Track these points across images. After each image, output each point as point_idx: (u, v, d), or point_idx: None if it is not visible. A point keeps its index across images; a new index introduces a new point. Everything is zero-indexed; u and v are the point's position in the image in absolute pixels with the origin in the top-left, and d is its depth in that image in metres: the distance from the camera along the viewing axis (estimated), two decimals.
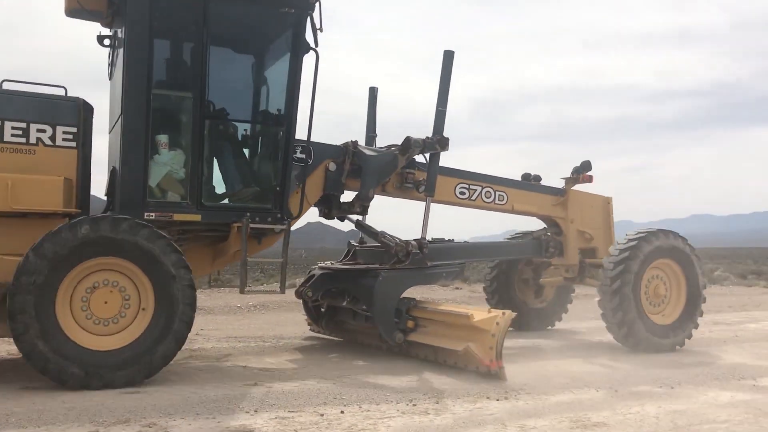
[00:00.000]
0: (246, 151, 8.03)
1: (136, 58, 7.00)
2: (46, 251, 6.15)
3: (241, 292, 7.58)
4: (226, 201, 7.72)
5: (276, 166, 7.75)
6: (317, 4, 7.36)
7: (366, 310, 8.14)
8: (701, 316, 9.33)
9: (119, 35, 7.51)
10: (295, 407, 5.62)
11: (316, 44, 7.46)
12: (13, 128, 6.66)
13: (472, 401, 5.94)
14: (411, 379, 6.90)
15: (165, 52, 7.49)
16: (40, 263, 6.11)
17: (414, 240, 8.50)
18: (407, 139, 8.48)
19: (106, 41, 7.97)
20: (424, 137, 8.50)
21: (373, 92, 9.87)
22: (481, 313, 7.25)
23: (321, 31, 7.41)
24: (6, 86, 6.87)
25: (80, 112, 6.95)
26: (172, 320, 6.51)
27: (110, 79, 8.13)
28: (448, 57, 8.51)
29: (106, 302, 6.44)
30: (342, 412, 5.49)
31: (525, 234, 10.48)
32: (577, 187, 10.00)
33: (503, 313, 7.08)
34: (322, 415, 5.37)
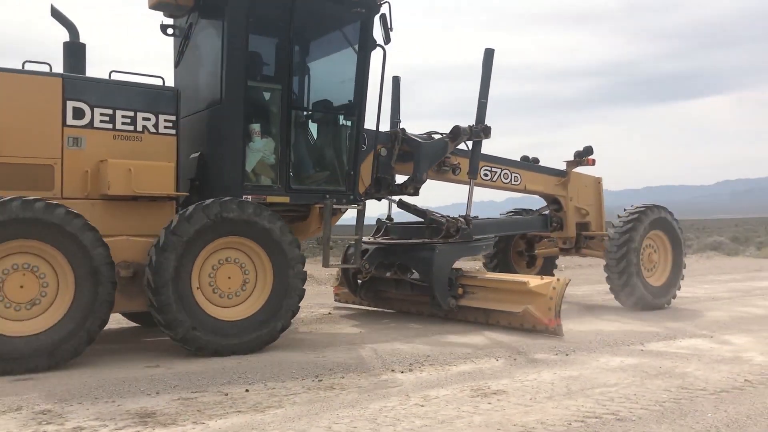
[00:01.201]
0: (322, 139, 8.58)
1: (235, 52, 7.48)
2: (183, 231, 6.70)
3: (324, 266, 8.20)
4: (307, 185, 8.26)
5: (348, 152, 8.36)
6: (386, 5, 8.08)
7: (419, 279, 9.03)
8: (683, 279, 10.99)
9: (194, 27, 8.19)
10: (198, 387, 5.55)
11: (387, 41, 8.13)
12: (123, 117, 7.08)
13: (377, 374, 6.04)
14: (317, 355, 6.93)
15: (257, 47, 7.97)
16: (178, 241, 6.66)
17: (461, 216, 9.43)
18: (456, 128, 9.34)
19: (170, 30, 8.59)
20: (467, 125, 9.38)
21: (396, 81, 10.39)
22: (535, 279, 8.35)
23: (392, 30, 8.09)
24: (114, 76, 7.23)
25: (177, 101, 7.42)
26: (287, 294, 7.23)
27: (176, 66, 8.59)
28: (489, 54, 9.39)
29: (229, 277, 7.08)
30: (247, 390, 5.45)
31: (521, 211, 11.61)
32: (578, 168, 11.12)
33: (558, 279, 8.20)
34: (226, 394, 5.32)
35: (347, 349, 7.21)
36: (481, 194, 10.26)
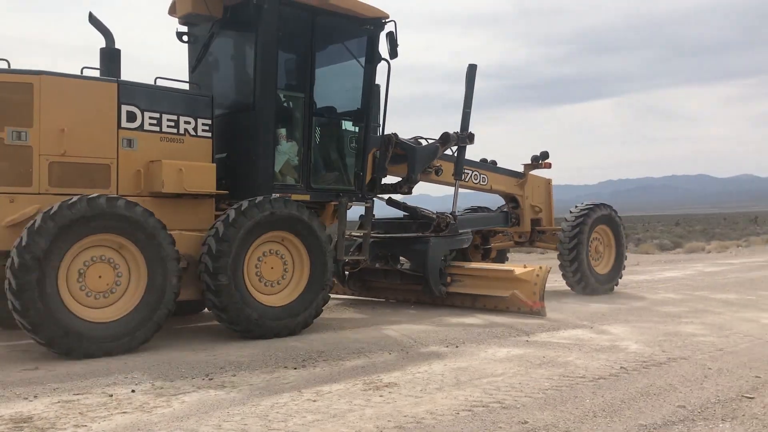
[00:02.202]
0: (336, 143, 9.30)
1: (267, 63, 8.25)
2: (240, 224, 7.43)
3: (339, 259, 8.70)
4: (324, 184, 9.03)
5: (357, 155, 9.26)
6: (392, 24, 9.01)
7: (411, 269, 10.07)
8: (624, 269, 12.46)
9: (216, 37, 8.91)
10: (81, 389, 5.31)
11: (393, 56, 9.05)
12: (168, 120, 7.65)
13: (270, 371, 5.99)
14: (209, 353, 6.79)
15: (283, 58, 8.69)
16: (236, 233, 7.39)
17: (448, 213, 10.51)
18: (446, 134, 10.47)
19: (185, 38, 9.20)
20: (453, 132, 10.52)
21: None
22: (519, 268, 9.56)
23: (398, 45, 9.00)
24: (158, 83, 7.81)
25: (212, 106, 8.02)
26: (323, 282, 8.09)
27: (193, 71, 9.16)
28: (472, 69, 10.64)
29: (272, 267, 7.90)
30: (133, 390, 5.27)
31: (477, 208, 12.62)
32: (534, 171, 12.33)
33: (540, 267, 9.34)
34: (111, 395, 5.12)
35: (240, 347, 7.11)
36: (419, 189, 10.83)
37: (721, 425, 4.41)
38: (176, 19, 9.15)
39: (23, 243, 6.27)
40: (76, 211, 6.47)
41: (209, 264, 7.29)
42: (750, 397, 5.05)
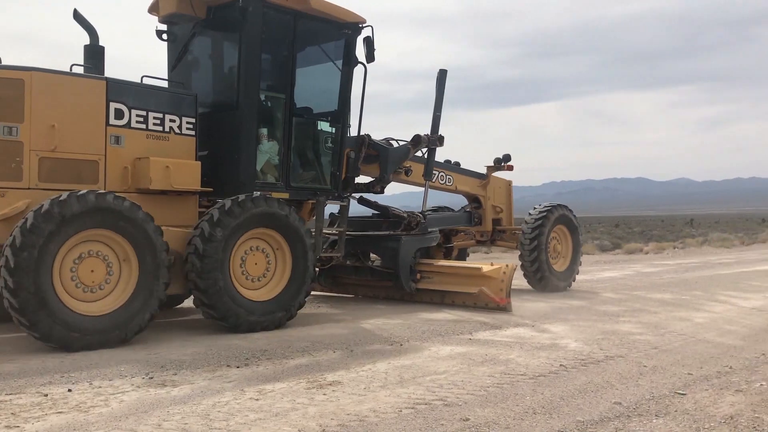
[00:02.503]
0: (313, 143, 9.52)
1: (251, 65, 8.47)
2: (225, 223, 7.65)
3: (317, 256, 8.89)
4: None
5: (334, 155, 9.51)
6: (369, 29, 9.30)
7: (382, 266, 10.40)
8: (580, 265, 13.05)
9: (197, 36, 9.10)
10: (14, 389, 5.15)
11: (370, 60, 9.33)
12: (154, 118, 7.81)
13: (212, 370, 5.92)
14: (149, 352, 6.66)
15: (266, 60, 8.89)
16: (222, 232, 7.61)
17: (418, 212, 10.95)
18: (417, 136, 10.91)
19: (165, 36, 9.29)
20: (423, 134, 10.96)
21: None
22: (486, 266, 9.93)
23: (375, 49, 9.29)
24: (144, 81, 8.00)
25: (196, 105, 8.19)
26: (305, 277, 8.35)
27: (173, 69, 9.25)
28: (442, 74, 11.19)
29: (256, 263, 8.13)
30: (69, 390, 5.14)
31: (439, 208, 12.85)
32: (496, 173, 12.78)
33: (507, 266, 9.81)
34: (46, 395, 4.98)
35: (182, 346, 7.00)
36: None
37: (654, 421, 4.55)
38: (156, 18, 9.25)
39: (17, 243, 6.34)
40: (67, 208, 6.55)
41: (196, 264, 7.52)
42: (682, 394, 5.23)
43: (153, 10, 9.20)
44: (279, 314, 8.13)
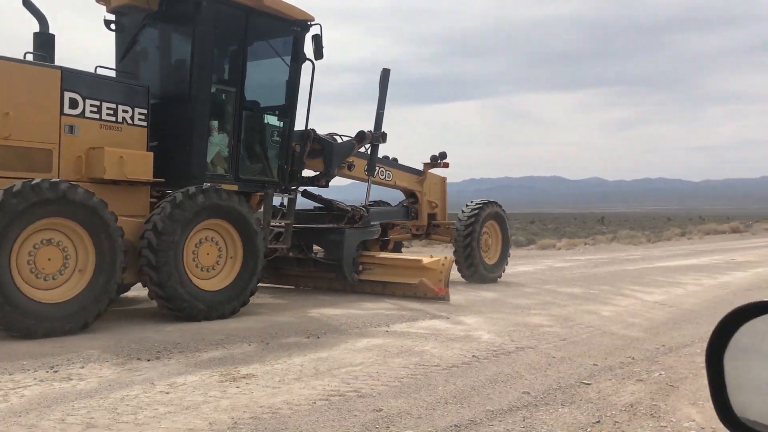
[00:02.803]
0: (262, 136, 9.69)
1: (204, 58, 8.66)
2: (177, 216, 7.77)
3: (266, 246, 9.03)
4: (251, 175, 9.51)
5: (281, 148, 9.73)
6: (317, 27, 9.59)
7: (325, 258, 10.68)
8: (509, 256, 13.74)
9: (148, 28, 9.15)
10: None
11: (318, 57, 9.57)
12: (107, 108, 7.85)
13: (121, 363, 5.75)
14: (56, 345, 6.41)
15: (218, 54, 9.13)
16: (174, 226, 7.74)
17: (361, 206, 11.30)
18: (362, 132, 11.28)
19: (113, 26, 9.32)
20: (367, 130, 11.33)
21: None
22: (426, 258, 10.44)
23: (323, 47, 9.53)
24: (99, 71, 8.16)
25: (149, 96, 8.27)
26: (256, 265, 8.59)
27: (121, 60, 9.25)
28: (386, 73, 11.58)
29: (208, 254, 8.29)
30: None
31: (375, 203, 13.04)
32: (432, 170, 13.28)
33: (445, 258, 10.39)
34: None
35: (91, 339, 6.77)
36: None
37: (560, 410, 4.71)
38: (104, 7, 9.28)
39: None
40: (21, 198, 6.58)
41: (151, 258, 7.65)
42: (587, 383, 5.44)
43: (103, 1, 9.22)
44: (233, 302, 8.35)
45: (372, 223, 11.32)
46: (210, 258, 8.32)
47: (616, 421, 4.46)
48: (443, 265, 10.19)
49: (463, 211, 12.96)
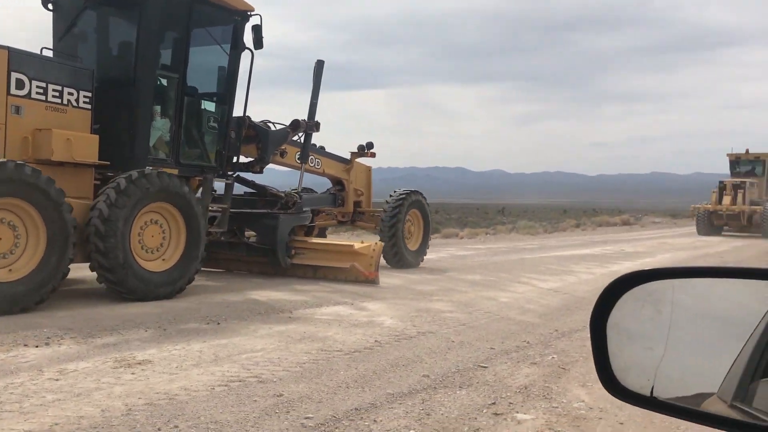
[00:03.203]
0: (201, 122, 9.92)
1: (149, 44, 8.81)
2: (122, 203, 7.90)
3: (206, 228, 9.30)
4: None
5: (219, 134, 10.00)
6: (257, 17, 9.90)
7: (259, 242, 11.04)
8: (428, 246, 14.29)
9: (89, 10, 9.14)
10: None
11: (257, 47, 9.92)
12: (53, 90, 7.88)
13: (6, 350, 5.45)
14: None
15: (163, 41, 9.26)
16: (120, 212, 7.88)
17: (294, 192, 11.64)
18: (296, 121, 11.57)
19: (50, 6, 9.24)
20: (302, 119, 11.64)
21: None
22: (358, 243, 10.91)
23: (263, 37, 9.87)
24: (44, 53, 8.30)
25: (93, 79, 8.36)
26: (199, 245, 8.89)
27: (59, 41, 9.17)
28: (320, 65, 11.94)
29: (153, 236, 8.47)
30: None
31: (304, 189, 13.00)
32: (359, 159, 13.71)
33: (375, 243, 10.94)
34: None
35: None
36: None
37: (458, 392, 4.83)
38: None
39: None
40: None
41: (99, 244, 7.78)
42: (484, 367, 5.60)
43: None
44: (178, 282, 8.60)
45: (304, 209, 11.64)
46: (155, 240, 8.52)
47: (510, 403, 4.62)
48: (374, 250, 10.66)
49: (387, 202, 13.42)
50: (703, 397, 1.13)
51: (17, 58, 7.60)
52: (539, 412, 4.43)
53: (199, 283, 10.08)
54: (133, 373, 4.89)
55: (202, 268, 11.26)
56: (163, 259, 8.59)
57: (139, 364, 5.19)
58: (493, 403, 4.58)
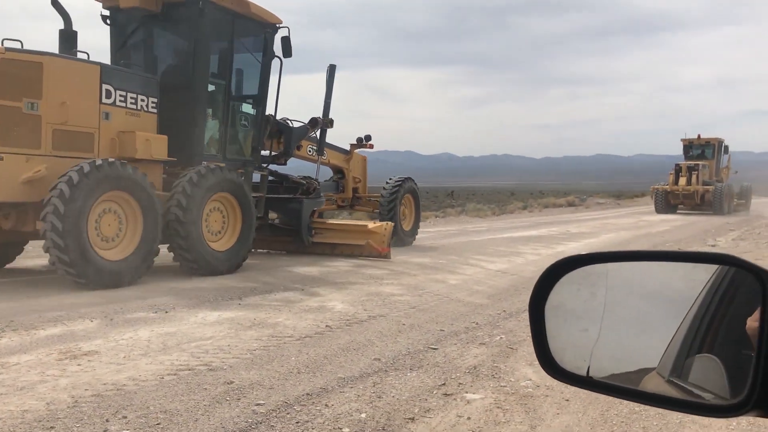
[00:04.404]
0: (241, 122, 11.41)
1: (203, 57, 10.20)
2: (202, 185, 9.47)
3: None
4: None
5: (256, 132, 11.54)
6: (285, 30, 11.30)
7: (284, 223, 12.73)
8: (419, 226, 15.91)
9: (146, 26, 10.46)
10: None
11: (286, 56, 11.30)
12: (131, 97, 9.22)
13: None
14: None
15: (213, 52, 10.60)
16: (193, 201, 9.31)
17: (314, 180, 13.16)
18: (315, 119, 13.08)
19: (108, 21, 10.56)
20: (317, 117, 13.11)
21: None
22: (371, 223, 12.82)
23: (291, 47, 11.24)
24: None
25: (158, 87, 9.68)
26: (251, 231, 10.43)
27: (118, 51, 10.55)
28: (332, 69, 13.32)
29: (215, 220, 9.96)
30: None
31: (305, 178, 13.97)
32: (358, 150, 15.23)
33: (387, 223, 12.64)
34: None
35: None
36: None
37: (409, 374, 4.89)
38: (99, 3, 10.41)
39: (66, 195, 7.76)
40: (103, 172, 8.19)
41: (179, 229, 9.20)
42: (434, 348, 5.67)
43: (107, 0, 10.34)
44: (236, 259, 10.08)
45: (320, 195, 13.13)
46: (218, 224, 10.02)
47: (460, 383, 4.69)
48: (386, 229, 12.31)
49: (384, 188, 15.00)
50: (642, 373, 1.17)
51: (105, 72, 8.99)
52: (488, 392, 4.51)
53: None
54: (79, 365, 4.80)
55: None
56: (225, 240, 10.10)
57: (85, 355, 5.10)
58: (443, 384, 4.65)
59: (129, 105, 9.22)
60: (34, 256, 11.17)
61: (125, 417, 3.81)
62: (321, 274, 10.16)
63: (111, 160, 8.38)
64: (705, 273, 1.18)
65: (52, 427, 3.64)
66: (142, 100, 9.42)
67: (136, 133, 9.09)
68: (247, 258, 10.38)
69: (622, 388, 1.14)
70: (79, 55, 9.08)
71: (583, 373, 1.17)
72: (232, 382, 4.51)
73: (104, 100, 8.89)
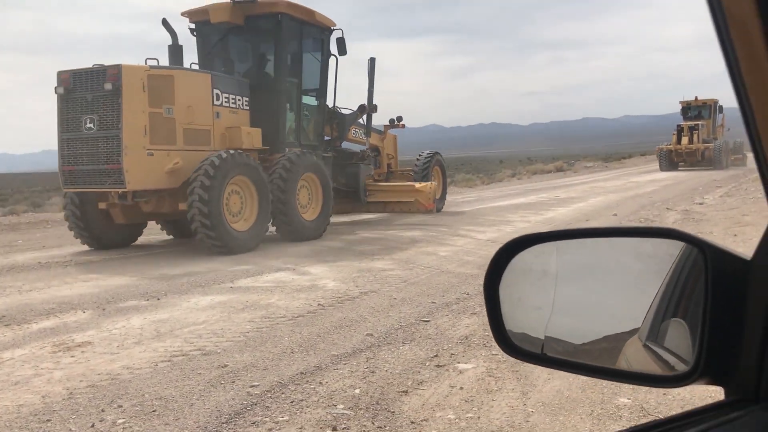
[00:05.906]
0: (308, 113, 13.31)
1: (283, 59, 12.25)
2: (294, 169, 11.44)
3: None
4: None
5: (319, 121, 13.57)
6: (339, 31, 13.23)
7: (343, 185, 14.31)
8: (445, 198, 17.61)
9: (232, 35, 12.41)
10: None
11: (341, 54, 13.26)
12: (231, 98, 11.25)
13: None
14: None
15: (288, 55, 12.49)
16: (291, 177, 11.35)
17: (366, 150, 15.24)
18: (362, 106, 14.87)
19: (195, 33, 12.48)
20: (363, 104, 14.87)
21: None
22: (417, 184, 15.05)
23: (346, 46, 13.19)
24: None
25: (249, 88, 11.70)
26: (329, 204, 12.35)
27: (204, 57, 12.43)
28: (372, 61, 14.45)
29: (303, 196, 11.85)
30: None
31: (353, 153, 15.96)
32: (391, 130, 17.17)
33: (431, 183, 15.25)
34: None
35: None
36: None
37: (401, 348, 4.94)
38: (187, 18, 12.33)
39: (211, 173, 9.75)
40: (234, 160, 10.21)
41: (280, 206, 11.10)
42: (426, 321, 5.72)
43: (193, 15, 12.20)
44: (320, 229, 11.98)
45: (371, 163, 15.28)
46: (305, 199, 11.88)
47: (452, 354, 4.74)
48: (430, 188, 14.69)
49: (416, 164, 16.88)
50: (593, 345, 1.19)
51: (215, 79, 10.94)
52: (480, 361, 4.57)
53: (137, 257, 9.91)
54: (72, 356, 4.82)
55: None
56: (311, 212, 11.94)
57: (79, 346, 5.11)
58: (436, 356, 4.70)
59: (231, 105, 11.18)
60: (24, 249, 11.14)
61: (120, 406, 3.84)
62: (312, 252, 10.18)
63: (235, 151, 10.34)
64: (670, 245, 1.20)
65: (48, 420, 3.67)
66: (239, 100, 11.38)
67: (240, 128, 11.11)
68: (327, 227, 12.19)
69: (574, 363, 1.16)
70: (191, 66, 11.39)
71: (538, 350, 1.19)
72: (226, 366, 4.54)
73: (215, 103, 10.87)
